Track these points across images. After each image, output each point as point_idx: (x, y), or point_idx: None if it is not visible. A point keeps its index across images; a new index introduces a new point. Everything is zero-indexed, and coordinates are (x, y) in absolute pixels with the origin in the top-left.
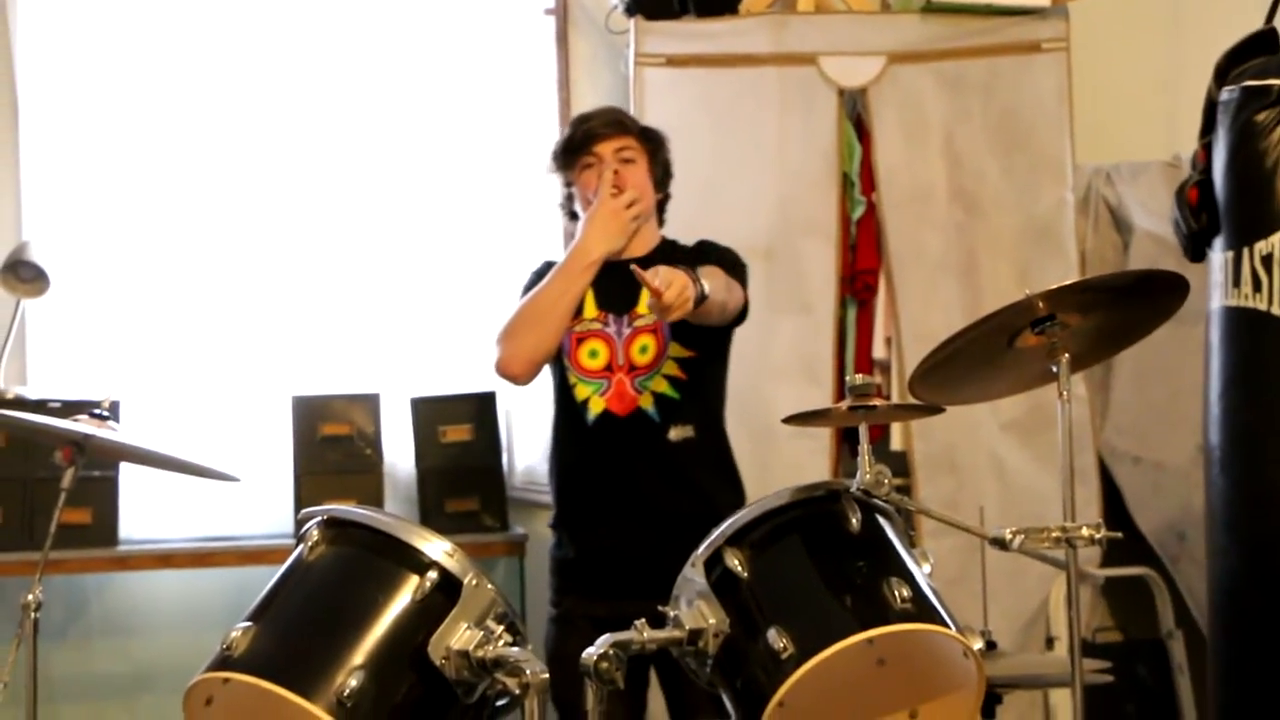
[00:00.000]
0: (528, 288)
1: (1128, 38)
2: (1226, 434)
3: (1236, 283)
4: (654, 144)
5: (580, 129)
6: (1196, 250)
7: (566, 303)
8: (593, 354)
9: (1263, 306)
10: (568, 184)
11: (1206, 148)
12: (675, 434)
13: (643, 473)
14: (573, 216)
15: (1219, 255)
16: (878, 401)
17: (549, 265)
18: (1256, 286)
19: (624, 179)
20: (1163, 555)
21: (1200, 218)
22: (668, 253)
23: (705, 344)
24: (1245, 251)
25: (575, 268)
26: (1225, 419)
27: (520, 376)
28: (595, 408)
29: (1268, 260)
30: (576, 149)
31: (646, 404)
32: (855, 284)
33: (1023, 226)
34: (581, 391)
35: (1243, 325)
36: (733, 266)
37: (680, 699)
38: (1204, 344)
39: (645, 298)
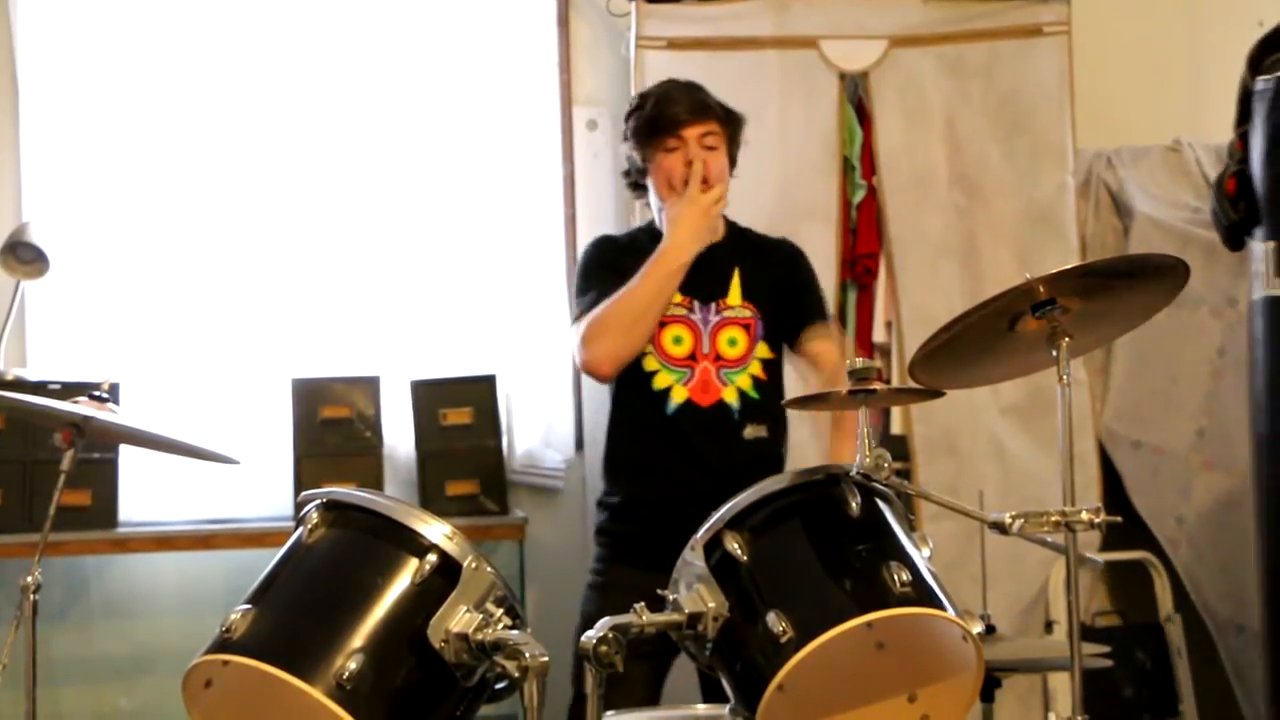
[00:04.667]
0: (589, 270)
1: (1129, 21)
2: (1273, 422)
3: (1278, 273)
4: (734, 127)
5: (667, 110)
6: (1236, 240)
7: (661, 303)
8: (677, 340)
9: None
10: (642, 159)
11: (1243, 137)
12: (750, 432)
13: (717, 464)
14: (636, 188)
15: (1259, 246)
16: (878, 385)
17: (607, 241)
18: None
19: (710, 169)
20: (1162, 539)
21: (1239, 207)
22: (737, 240)
23: (782, 349)
24: None
25: (669, 268)
26: (1273, 408)
27: (609, 376)
28: (677, 397)
29: None
30: (662, 130)
31: (730, 398)
32: (856, 268)
33: (1023, 210)
34: (662, 380)
35: None
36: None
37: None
38: (1247, 335)
39: (735, 287)
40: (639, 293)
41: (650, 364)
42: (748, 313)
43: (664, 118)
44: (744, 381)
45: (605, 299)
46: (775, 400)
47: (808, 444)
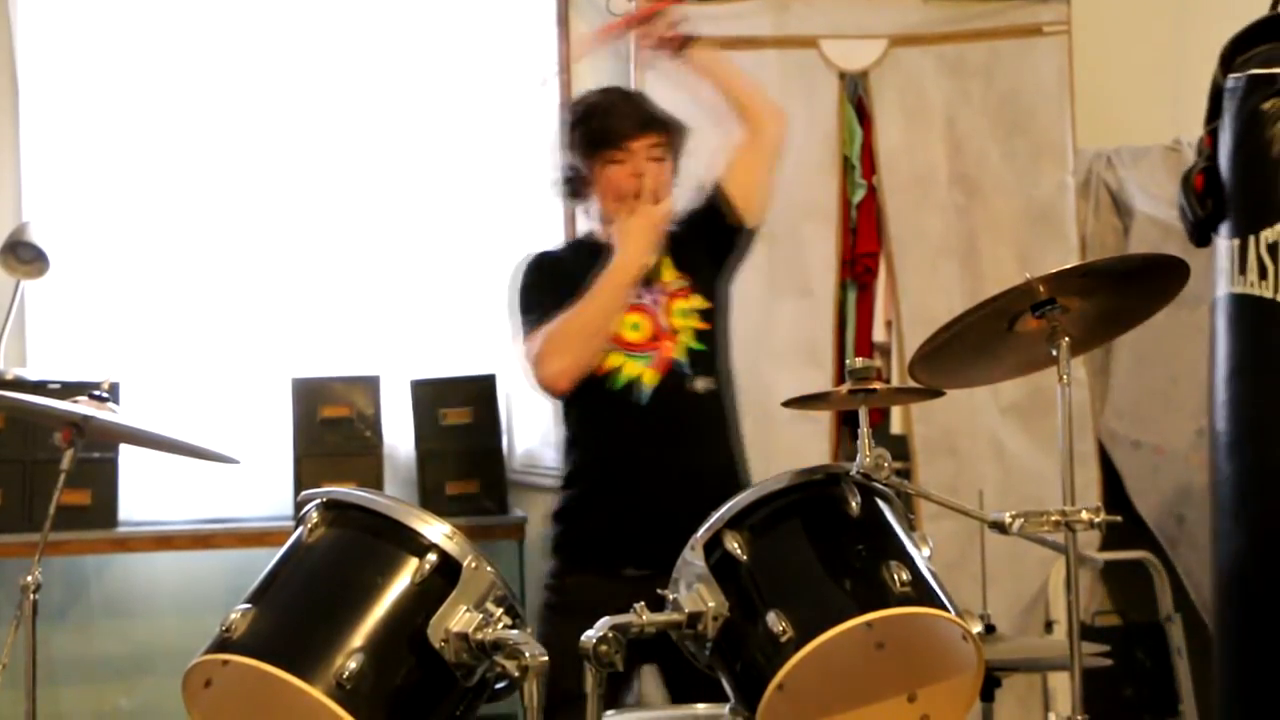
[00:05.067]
0: (531, 287)
1: (1129, 21)
2: (1232, 420)
3: (1242, 270)
4: (679, 137)
5: (614, 122)
6: (1202, 236)
7: (616, 316)
8: (635, 327)
9: (1268, 294)
10: (584, 170)
11: (1212, 134)
12: (701, 385)
13: (676, 428)
14: (573, 196)
15: (1225, 242)
16: (878, 385)
17: (545, 257)
18: (1262, 274)
19: (657, 182)
20: (1162, 539)
21: (1206, 204)
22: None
23: (719, 296)
24: (1251, 239)
25: (623, 281)
26: (1230, 405)
27: (567, 391)
28: (650, 381)
29: (1273, 248)
30: (608, 143)
31: (680, 355)
32: (856, 267)
33: (1023, 210)
34: (630, 370)
35: (1248, 312)
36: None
37: (682, 682)
38: (1209, 330)
39: (666, 265)
40: (594, 307)
41: (613, 360)
42: (684, 281)
43: (611, 130)
44: (687, 338)
45: (553, 315)
46: (722, 349)
47: (807, 443)
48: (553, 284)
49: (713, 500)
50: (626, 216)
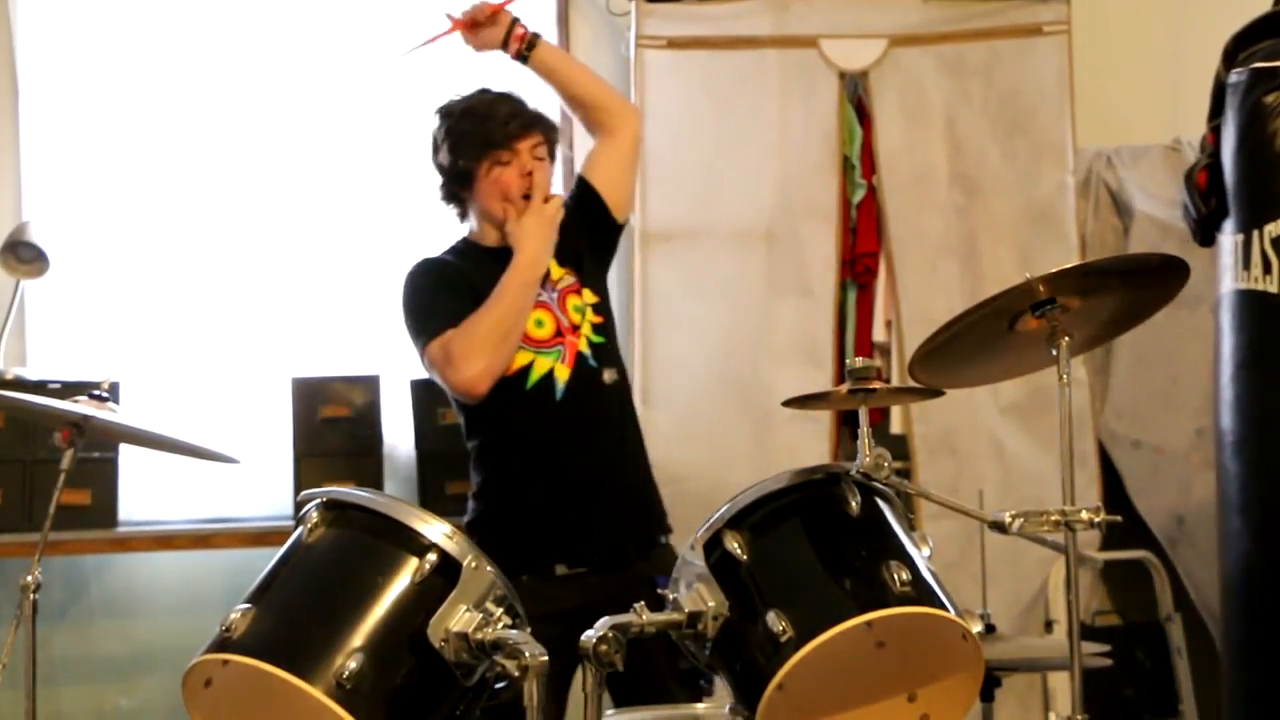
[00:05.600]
0: (428, 290)
1: (1129, 21)
2: (1238, 418)
3: (1246, 265)
4: (556, 135)
5: (498, 124)
6: (1206, 234)
7: (525, 315)
8: (539, 323)
9: (1273, 289)
10: (468, 171)
11: (1215, 130)
12: (608, 376)
13: (592, 420)
14: (454, 200)
15: (1229, 238)
16: (878, 384)
17: (434, 263)
18: (1267, 269)
19: (544, 179)
20: (1162, 539)
21: (1210, 201)
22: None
23: (603, 289)
24: (1255, 234)
25: (528, 279)
26: (1236, 403)
27: (485, 393)
28: (561, 376)
29: (1278, 243)
30: (495, 144)
31: (584, 348)
32: (855, 267)
33: (1023, 210)
34: (541, 365)
35: (1253, 308)
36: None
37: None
38: (1210, 328)
39: (553, 264)
40: (503, 307)
41: (522, 358)
42: (571, 278)
43: (497, 132)
44: (587, 330)
45: (453, 314)
46: (615, 340)
47: (807, 443)
48: (450, 287)
49: (632, 490)
50: (518, 216)
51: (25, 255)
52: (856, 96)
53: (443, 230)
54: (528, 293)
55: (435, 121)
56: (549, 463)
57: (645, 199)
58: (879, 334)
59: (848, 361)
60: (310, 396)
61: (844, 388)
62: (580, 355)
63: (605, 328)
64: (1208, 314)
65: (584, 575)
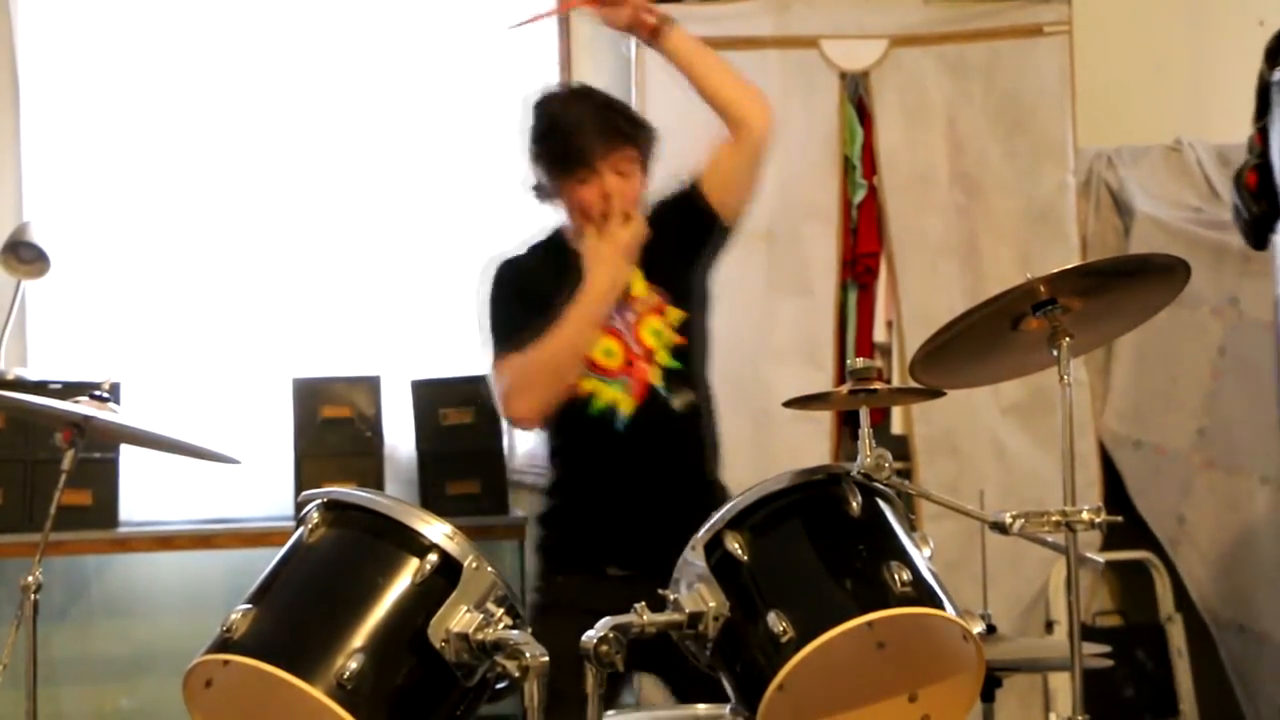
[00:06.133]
0: (499, 300)
1: (1130, 21)
2: None
3: None
4: (649, 144)
5: (578, 141)
6: (1260, 236)
7: (585, 349)
8: (608, 352)
9: None
10: (548, 185)
11: (1262, 131)
12: (679, 403)
13: (655, 450)
14: (543, 200)
15: None
16: (878, 385)
17: (510, 266)
18: None
19: (626, 197)
20: (1162, 539)
21: (1260, 203)
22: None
23: (695, 300)
24: None
25: (593, 314)
26: None
27: (536, 426)
28: (625, 408)
29: None
30: (573, 162)
31: (656, 380)
32: (856, 267)
33: (1024, 210)
34: (604, 396)
35: None
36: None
37: (683, 681)
38: (1275, 330)
39: (637, 279)
40: (561, 343)
41: (586, 385)
42: (655, 298)
43: (575, 149)
44: (662, 357)
45: (522, 333)
46: (700, 358)
47: (808, 443)
48: (520, 295)
49: (692, 509)
50: (595, 236)
51: (26, 255)
52: (857, 97)
53: (443, 232)
54: (588, 327)
55: (525, 115)
56: (606, 484)
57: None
58: (880, 334)
59: (848, 362)
60: (311, 397)
61: (845, 388)
62: (650, 386)
63: (687, 349)
64: (1208, 314)
65: (634, 577)
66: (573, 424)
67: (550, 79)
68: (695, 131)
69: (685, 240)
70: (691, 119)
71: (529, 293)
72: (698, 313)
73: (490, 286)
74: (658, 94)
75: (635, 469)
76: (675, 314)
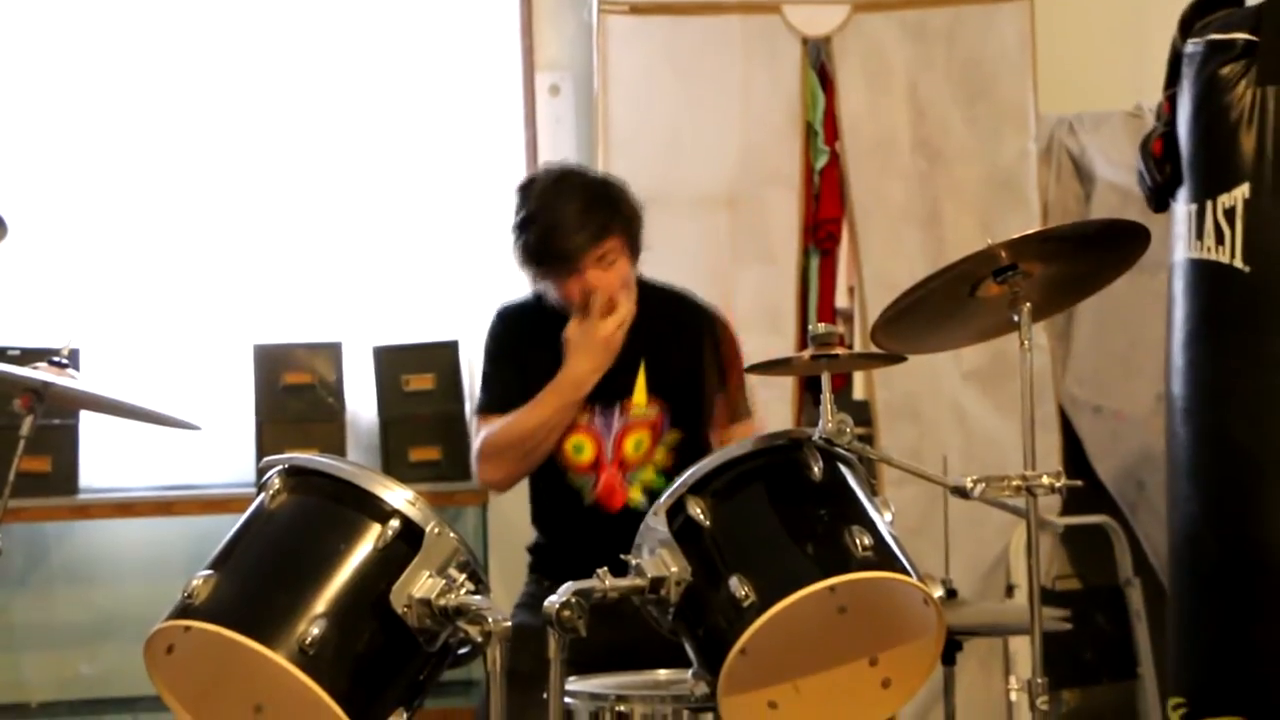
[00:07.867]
0: (491, 353)
1: None
2: (1188, 385)
3: (1200, 235)
4: (634, 229)
5: (557, 242)
6: (1160, 201)
7: (558, 430)
8: (578, 449)
9: (1225, 259)
10: (531, 276)
11: (1171, 99)
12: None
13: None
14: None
15: (1183, 207)
16: (840, 350)
17: (511, 316)
18: (1219, 239)
19: (612, 284)
20: (1122, 504)
21: (1164, 169)
22: (646, 319)
23: (695, 419)
24: (1209, 204)
25: (569, 399)
26: (1187, 370)
27: (505, 491)
28: (588, 497)
29: (1230, 214)
30: (555, 261)
31: (636, 496)
32: (818, 233)
33: (985, 176)
34: (572, 479)
35: (1205, 277)
36: (743, 378)
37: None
38: (1166, 295)
39: (640, 385)
40: (534, 420)
41: (560, 461)
42: (654, 412)
43: (555, 251)
44: (648, 475)
45: (507, 390)
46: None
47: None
48: (510, 355)
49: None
50: (577, 325)
51: None
52: (819, 62)
53: (405, 198)
54: (561, 411)
55: (515, 200)
56: (578, 539)
57: (607, 165)
58: (841, 300)
59: (810, 327)
60: (272, 363)
61: (806, 353)
62: (620, 497)
63: (675, 469)
64: (1168, 280)
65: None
66: (551, 480)
67: (511, 47)
68: (658, 97)
69: (704, 374)
70: (654, 85)
71: (518, 353)
72: (696, 428)
73: (487, 338)
74: (619, 61)
75: (603, 533)
76: (673, 436)
